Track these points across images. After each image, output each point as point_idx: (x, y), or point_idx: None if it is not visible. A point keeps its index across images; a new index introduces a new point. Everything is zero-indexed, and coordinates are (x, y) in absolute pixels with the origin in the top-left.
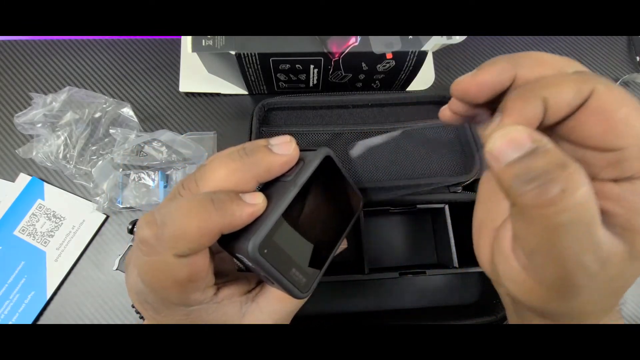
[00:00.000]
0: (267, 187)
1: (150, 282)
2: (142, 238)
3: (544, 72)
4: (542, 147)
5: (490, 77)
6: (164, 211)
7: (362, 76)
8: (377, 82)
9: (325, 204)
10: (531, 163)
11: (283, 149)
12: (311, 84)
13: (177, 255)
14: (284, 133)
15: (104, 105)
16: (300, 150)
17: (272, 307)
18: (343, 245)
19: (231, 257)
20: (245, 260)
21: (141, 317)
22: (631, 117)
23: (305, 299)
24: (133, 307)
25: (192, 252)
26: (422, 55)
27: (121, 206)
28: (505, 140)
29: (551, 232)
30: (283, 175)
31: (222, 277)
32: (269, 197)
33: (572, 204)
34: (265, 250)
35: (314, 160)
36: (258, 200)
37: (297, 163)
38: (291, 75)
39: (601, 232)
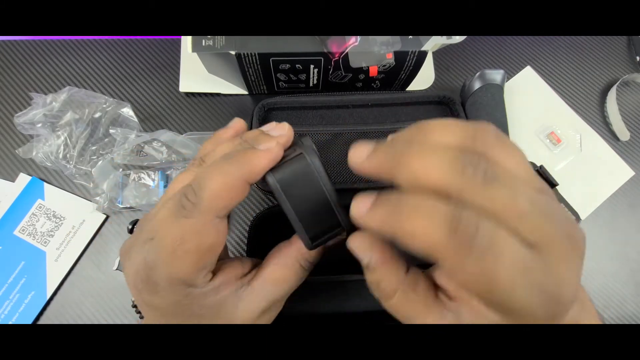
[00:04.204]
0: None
1: (173, 245)
2: (183, 203)
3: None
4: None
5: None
6: (197, 179)
7: (362, 76)
8: (377, 82)
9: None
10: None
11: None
12: (311, 84)
13: (216, 216)
14: None
15: (104, 105)
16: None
17: (267, 289)
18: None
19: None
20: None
21: (141, 317)
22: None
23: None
24: (133, 307)
25: (227, 210)
26: (422, 55)
27: (121, 206)
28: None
29: None
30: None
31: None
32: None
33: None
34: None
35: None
36: (271, 145)
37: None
38: (291, 75)
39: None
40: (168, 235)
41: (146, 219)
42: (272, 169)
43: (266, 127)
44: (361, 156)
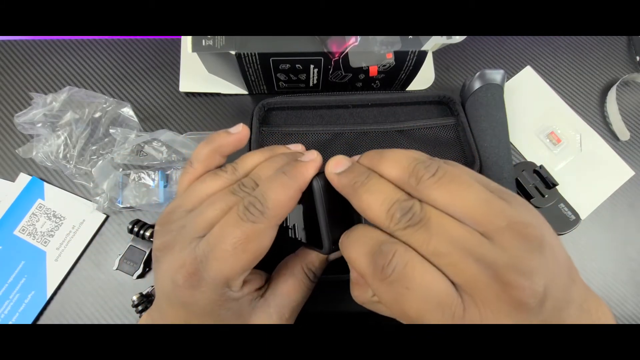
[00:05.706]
0: None
1: (235, 244)
2: (251, 211)
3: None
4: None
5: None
6: (261, 192)
7: (362, 76)
8: (377, 82)
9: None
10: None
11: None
12: (311, 84)
13: (276, 223)
14: (283, 133)
15: (104, 105)
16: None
17: (279, 301)
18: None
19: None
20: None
21: (141, 317)
22: None
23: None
24: (133, 307)
25: (284, 217)
26: (422, 55)
27: (121, 206)
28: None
29: None
30: None
31: None
32: None
33: None
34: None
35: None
36: (313, 156)
37: None
38: (291, 75)
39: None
40: (230, 234)
41: (181, 217)
42: (316, 176)
43: (293, 148)
44: (334, 171)
